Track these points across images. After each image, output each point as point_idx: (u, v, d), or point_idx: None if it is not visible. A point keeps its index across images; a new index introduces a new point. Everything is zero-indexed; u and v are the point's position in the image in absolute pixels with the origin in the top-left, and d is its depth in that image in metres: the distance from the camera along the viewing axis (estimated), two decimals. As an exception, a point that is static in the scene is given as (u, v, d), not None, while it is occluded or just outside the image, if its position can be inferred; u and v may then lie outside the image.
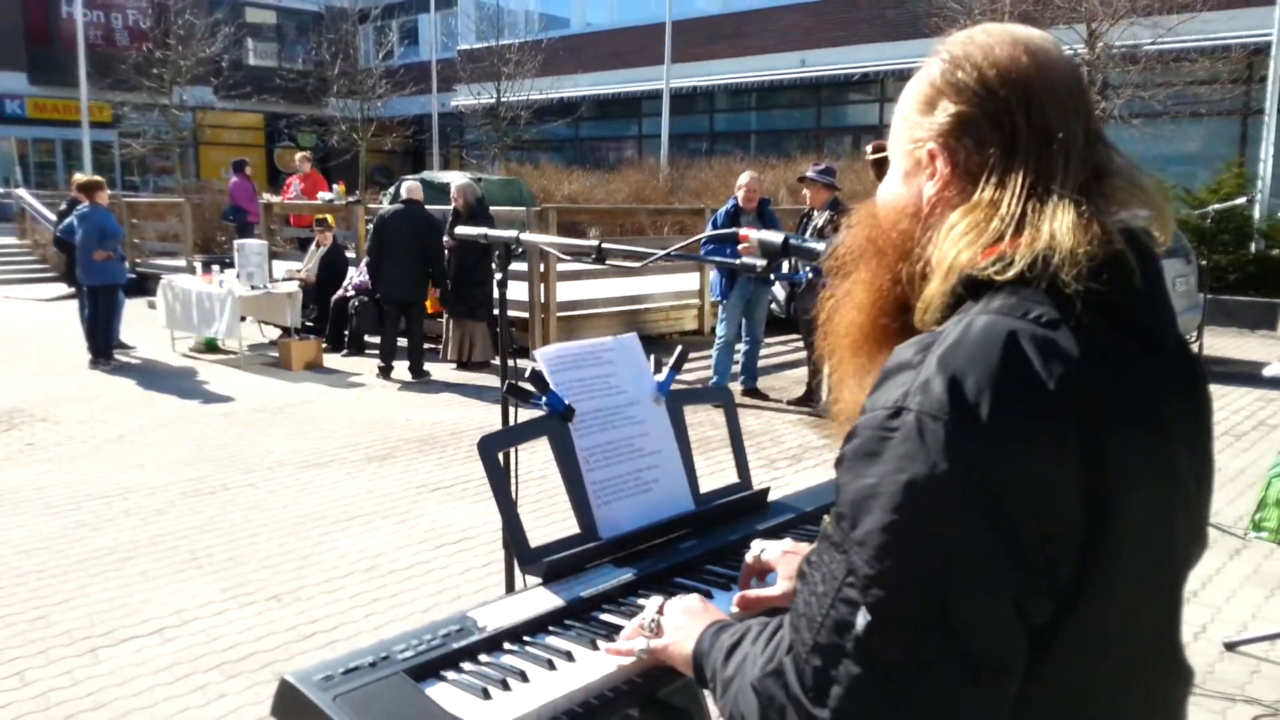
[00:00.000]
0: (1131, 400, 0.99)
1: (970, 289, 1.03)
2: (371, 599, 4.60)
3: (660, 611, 1.43)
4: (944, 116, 1.10)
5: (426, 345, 10.17)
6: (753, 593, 1.61)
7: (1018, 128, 1.06)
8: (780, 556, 1.61)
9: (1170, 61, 15.76)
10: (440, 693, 1.40)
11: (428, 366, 9.95)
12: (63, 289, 16.87)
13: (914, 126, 1.14)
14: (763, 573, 1.67)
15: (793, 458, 6.99)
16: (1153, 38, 15.41)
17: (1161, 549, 1.04)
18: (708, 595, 1.72)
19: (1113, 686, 1.02)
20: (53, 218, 19.43)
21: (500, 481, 1.79)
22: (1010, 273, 1.00)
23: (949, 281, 1.04)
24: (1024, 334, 0.96)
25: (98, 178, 10.73)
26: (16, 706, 3.63)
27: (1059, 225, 1.00)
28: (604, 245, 2.15)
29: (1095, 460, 0.94)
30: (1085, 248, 0.98)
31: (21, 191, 22.97)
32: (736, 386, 8.75)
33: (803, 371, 8.87)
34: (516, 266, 9.53)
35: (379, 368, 9.89)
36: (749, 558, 1.68)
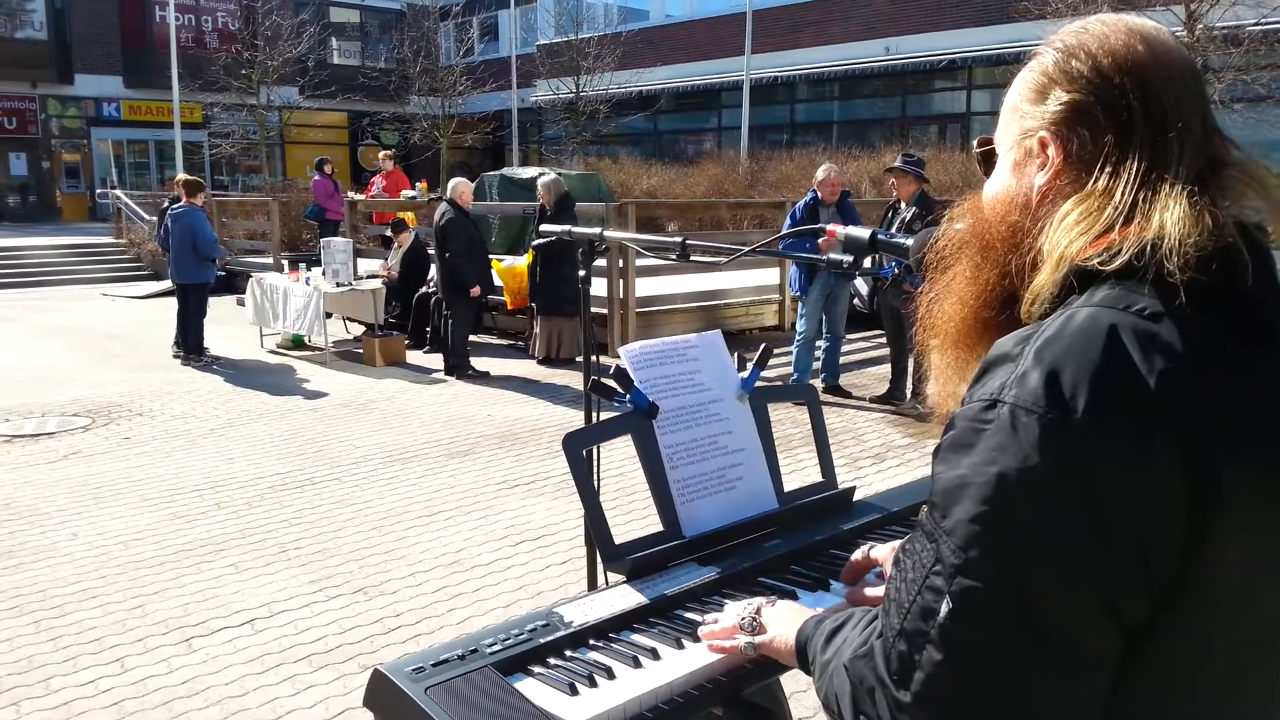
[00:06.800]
0: (1242, 398, 0.95)
1: (1079, 280, 1.01)
2: (454, 594, 4.66)
3: (759, 612, 1.46)
4: (1056, 105, 1.08)
5: (507, 342, 10.26)
6: (867, 591, 1.63)
7: (1133, 115, 1.03)
8: (889, 555, 1.60)
9: (1276, 43, 15.13)
10: (528, 687, 1.41)
11: (509, 364, 10.02)
12: (156, 286, 17.35)
13: (1024, 116, 1.12)
14: (867, 570, 1.68)
15: (876, 456, 6.90)
16: (1256, 18, 14.82)
17: (1275, 551, 1.00)
18: (793, 595, 1.71)
19: (1215, 688, 0.99)
20: (147, 217, 20.04)
21: (585, 478, 1.80)
22: (1116, 263, 0.98)
23: (1059, 271, 1.02)
24: (1125, 327, 0.93)
25: (199, 180, 11.05)
26: (117, 692, 3.76)
27: (1169, 216, 0.97)
28: (688, 241, 2.13)
29: (1200, 459, 0.90)
30: (1195, 238, 0.95)
31: (119, 192, 23.69)
32: (817, 384, 8.60)
33: (886, 368, 8.72)
34: (596, 263, 9.72)
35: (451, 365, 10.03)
36: (857, 555, 1.67)
